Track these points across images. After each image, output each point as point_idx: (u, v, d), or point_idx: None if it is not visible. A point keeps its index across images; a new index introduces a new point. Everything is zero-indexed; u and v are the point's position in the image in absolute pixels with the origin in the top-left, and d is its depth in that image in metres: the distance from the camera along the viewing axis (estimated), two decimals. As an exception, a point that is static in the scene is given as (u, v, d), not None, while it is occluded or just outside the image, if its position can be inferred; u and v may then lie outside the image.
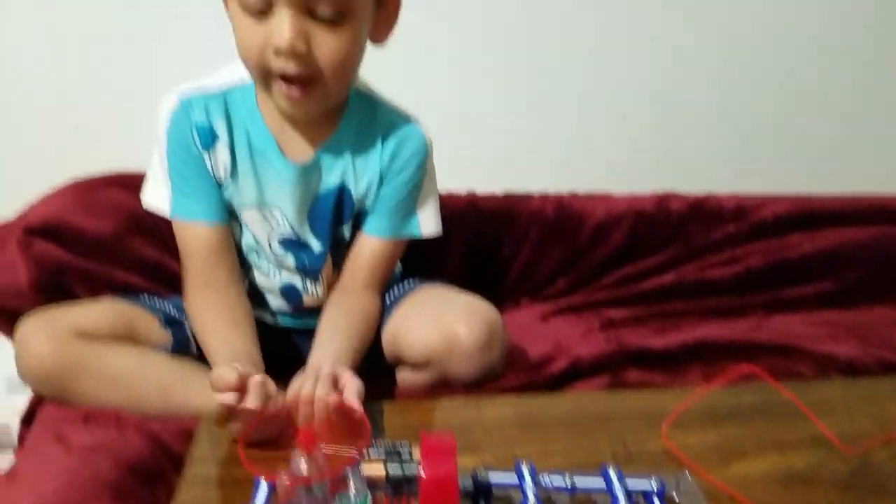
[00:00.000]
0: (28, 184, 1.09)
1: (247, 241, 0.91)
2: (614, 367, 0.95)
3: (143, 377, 0.84)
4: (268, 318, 0.97)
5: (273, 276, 0.93)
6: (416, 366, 0.85)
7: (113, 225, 1.05)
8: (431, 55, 1.33)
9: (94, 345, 0.83)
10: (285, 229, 0.88)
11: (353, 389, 0.70)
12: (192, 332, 0.90)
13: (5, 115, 1.31)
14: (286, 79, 0.75)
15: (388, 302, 0.94)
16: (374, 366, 0.89)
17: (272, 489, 0.60)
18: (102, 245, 1.04)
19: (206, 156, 0.84)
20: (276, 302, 0.96)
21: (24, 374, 0.84)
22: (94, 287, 1.02)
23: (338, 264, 0.92)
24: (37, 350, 0.81)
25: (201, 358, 0.87)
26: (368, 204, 0.89)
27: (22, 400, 0.92)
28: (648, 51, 1.44)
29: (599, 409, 0.77)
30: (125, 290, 1.03)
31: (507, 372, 0.90)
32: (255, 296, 0.95)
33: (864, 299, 1.17)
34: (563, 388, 0.91)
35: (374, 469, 0.62)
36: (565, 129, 1.44)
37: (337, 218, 0.89)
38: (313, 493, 0.57)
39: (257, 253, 0.92)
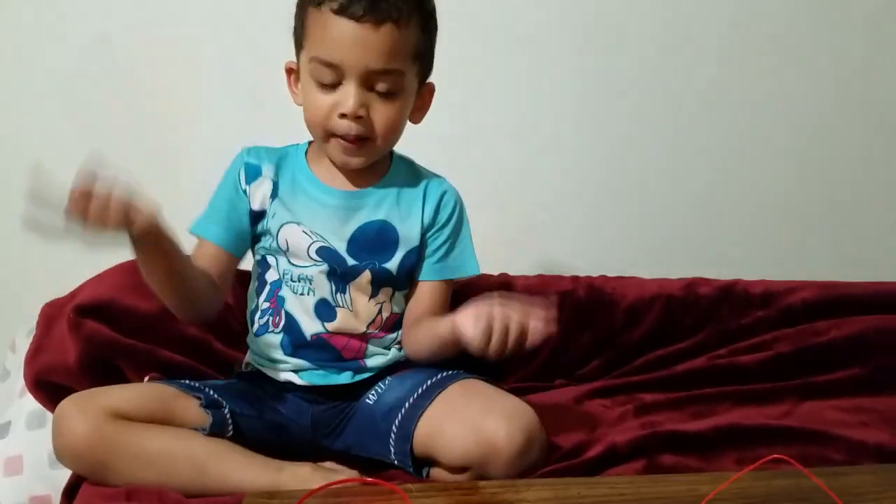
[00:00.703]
0: (77, 264, 1.12)
1: (284, 268, 0.99)
2: (650, 452, 0.96)
3: (178, 456, 0.87)
4: (295, 377, 0.99)
5: (307, 294, 0.98)
6: (452, 469, 0.88)
7: (159, 305, 1.05)
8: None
9: (130, 425, 0.86)
10: (323, 244, 0.97)
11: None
12: (229, 414, 0.92)
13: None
14: (345, 137, 0.92)
15: (422, 389, 0.96)
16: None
17: None
18: (148, 325, 1.08)
19: (248, 189, 0.99)
20: (311, 325, 0.98)
21: (61, 453, 0.87)
22: (140, 365, 1.06)
23: (375, 295, 1.00)
24: (72, 430, 0.85)
25: (236, 439, 0.92)
26: (415, 248, 1.00)
27: (64, 474, 0.93)
28: (670, 140, 1.50)
29: (635, 494, 0.79)
30: (170, 368, 1.07)
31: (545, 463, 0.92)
32: (293, 334, 0.99)
33: (893, 385, 1.17)
34: (599, 473, 0.92)
35: None
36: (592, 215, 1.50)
37: (379, 247, 0.99)
38: None
39: (294, 278, 0.98)
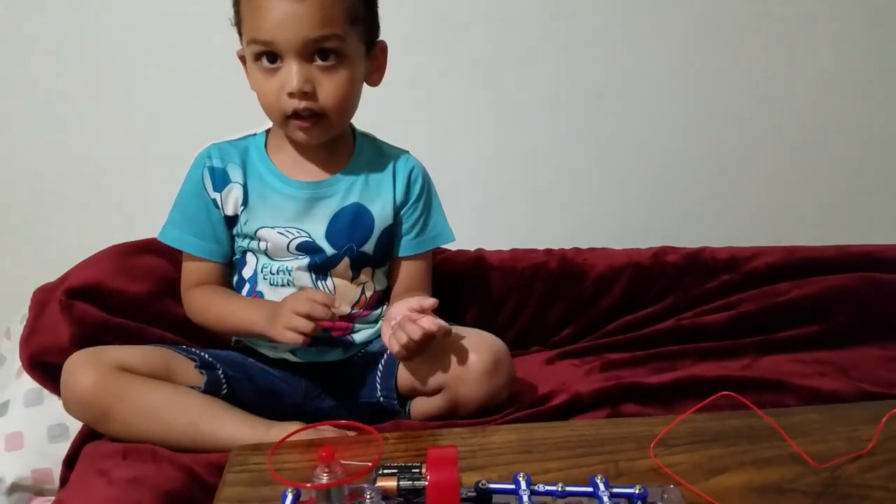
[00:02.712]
0: (65, 250, 1.20)
1: (262, 263, 1.01)
2: (613, 402, 1.02)
3: (175, 410, 0.91)
4: (290, 355, 1.03)
5: (287, 285, 1.01)
6: (430, 393, 0.95)
7: (147, 287, 1.14)
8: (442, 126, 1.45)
9: (133, 377, 0.91)
10: (302, 239, 1.00)
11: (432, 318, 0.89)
12: (223, 376, 0.97)
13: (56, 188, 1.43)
14: (298, 116, 0.92)
15: None
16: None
17: (297, 497, 0.67)
18: (138, 305, 1.12)
19: (219, 197, 1.00)
20: None
21: (69, 401, 0.92)
22: (131, 343, 1.05)
23: (357, 277, 1.03)
24: (82, 379, 0.90)
25: (229, 400, 0.96)
26: (390, 226, 1.03)
27: (62, 447, 1.00)
28: (645, 114, 1.55)
29: (595, 435, 0.83)
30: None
31: (512, 407, 0.98)
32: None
33: (850, 340, 1.22)
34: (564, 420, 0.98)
35: (388, 482, 0.68)
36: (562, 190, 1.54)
37: (355, 231, 1.01)
38: (331, 500, 0.63)
39: (272, 271, 1.01)
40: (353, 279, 1.03)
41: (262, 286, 1.02)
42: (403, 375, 0.99)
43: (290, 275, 1.00)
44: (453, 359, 0.95)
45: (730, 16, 1.52)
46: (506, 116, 1.54)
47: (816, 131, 1.59)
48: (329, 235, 1.00)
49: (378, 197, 1.02)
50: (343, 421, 0.76)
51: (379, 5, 0.98)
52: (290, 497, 0.66)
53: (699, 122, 1.57)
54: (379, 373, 1.01)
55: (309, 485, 0.63)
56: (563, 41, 1.50)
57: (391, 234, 1.05)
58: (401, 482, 0.68)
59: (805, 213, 1.62)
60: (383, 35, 0.99)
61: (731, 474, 0.76)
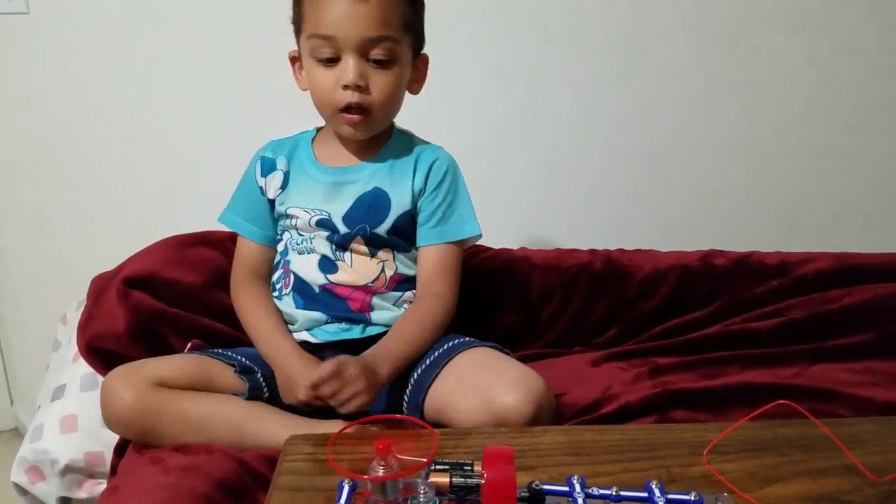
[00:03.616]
0: (123, 240, 1.24)
1: (291, 237, 1.08)
2: (661, 409, 1.02)
3: (217, 419, 0.94)
4: (308, 335, 1.05)
5: (309, 253, 1.06)
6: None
7: (200, 278, 1.18)
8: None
9: (172, 392, 0.94)
10: (321, 217, 1.05)
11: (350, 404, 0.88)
12: (262, 379, 1.00)
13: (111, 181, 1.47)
14: (349, 110, 0.98)
15: (434, 357, 0.99)
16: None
17: (354, 488, 0.68)
18: (190, 295, 1.16)
19: (264, 182, 1.09)
20: (315, 277, 1.05)
21: (109, 420, 0.94)
22: (183, 332, 1.14)
23: (375, 255, 1.05)
24: (120, 399, 0.92)
25: (271, 402, 0.99)
26: (408, 211, 1.05)
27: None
28: (683, 116, 1.53)
29: (646, 440, 0.83)
30: (210, 335, 1.15)
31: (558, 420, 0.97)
32: (302, 291, 1.06)
33: (903, 349, 1.21)
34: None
35: (441, 478, 0.68)
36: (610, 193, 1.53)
37: (372, 213, 1.04)
38: (387, 492, 0.65)
39: (298, 242, 1.07)
40: (372, 255, 1.06)
41: (290, 255, 1.08)
42: (431, 414, 0.96)
43: (311, 243, 1.06)
44: (490, 409, 0.89)
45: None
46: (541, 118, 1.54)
47: (865, 138, 1.57)
48: (346, 218, 1.04)
49: (399, 183, 1.06)
50: (398, 415, 0.76)
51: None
52: (346, 488, 0.68)
53: (743, 123, 1.56)
54: (405, 404, 0.99)
55: (366, 476, 0.64)
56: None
57: (410, 220, 1.06)
58: (454, 479, 0.69)
59: (856, 220, 1.59)
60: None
61: (785, 484, 0.75)
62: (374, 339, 1.02)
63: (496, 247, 1.31)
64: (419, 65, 1.06)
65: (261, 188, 1.10)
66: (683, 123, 1.54)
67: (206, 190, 1.21)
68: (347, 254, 1.06)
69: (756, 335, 1.23)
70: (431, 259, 1.06)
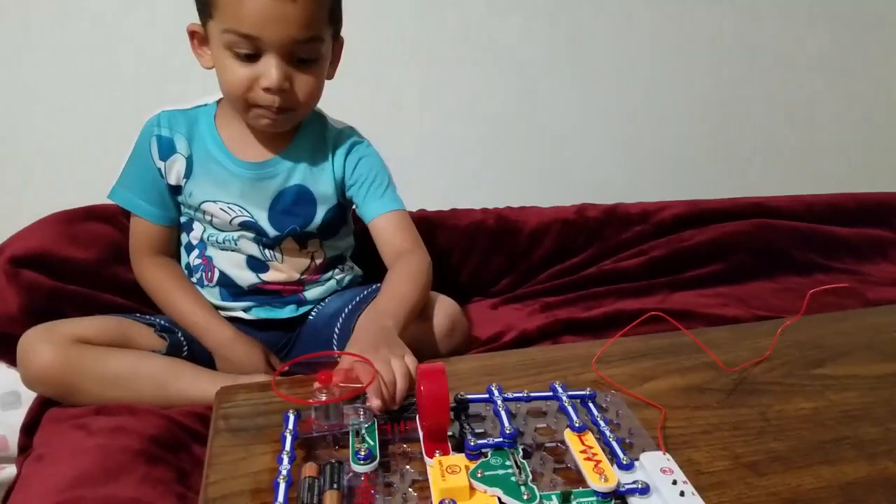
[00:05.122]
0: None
1: (209, 233, 1.02)
2: (554, 335, 1.17)
3: (139, 375, 0.92)
4: (242, 313, 1.05)
5: (235, 251, 1.02)
6: None
7: (94, 254, 1.10)
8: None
9: (93, 349, 0.91)
10: (245, 218, 1.00)
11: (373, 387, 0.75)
12: (183, 338, 1.00)
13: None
14: (268, 109, 0.92)
15: (359, 297, 1.04)
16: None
17: (298, 416, 0.73)
18: (89, 272, 1.09)
19: (163, 166, 1.00)
20: (245, 276, 1.03)
21: (29, 378, 0.90)
22: (84, 309, 1.05)
23: (304, 248, 1.04)
24: (40, 355, 0.89)
25: (192, 360, 0.98)
26: (336, 204, 1.03)
27: (17, 414, 0.98)
28: (569, 83, 1.65)
29: (545, 358, 0.95)
30: (114, 311, 1.05)
31: (468, 348, 1.10)
32: (230, 287, 1.04)
33: (746, 276, 1.43)
34: (516, 350, 1.11)
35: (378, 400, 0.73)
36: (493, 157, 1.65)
37: (298, 210, 1.01)
38: (329, 417, 0.70)
39: (219, 240, 1.02)
40: (301, 249, 1.05)
41: (210, 251, 1.04)
42: None
43: (236, 244, 1.02)
44: (413, 325, 0.93)
45: None
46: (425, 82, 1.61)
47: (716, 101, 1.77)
48: (271, 218, 1.00)
49: (319, 176, 1.02)
50: (328, 352, 0.82)
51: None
52: (291, 417, 0.72)
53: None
54: (335, 336, 1.01)
55: (312, 401, 0.69)
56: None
57: (338, 210, 1.05)
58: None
59: (705, 170, 1.80)
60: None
61: (660, 380, 0.89)
62: (311, 315, 1.06)
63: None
64: (336, 49, 0.98)
65: (159, 170, 1.00)
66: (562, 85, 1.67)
67: (80, 165, 1.15)
68: (277, 253, 1.03)
69: (626, 272, 1.41)
70: (390, 225, 1.02)
